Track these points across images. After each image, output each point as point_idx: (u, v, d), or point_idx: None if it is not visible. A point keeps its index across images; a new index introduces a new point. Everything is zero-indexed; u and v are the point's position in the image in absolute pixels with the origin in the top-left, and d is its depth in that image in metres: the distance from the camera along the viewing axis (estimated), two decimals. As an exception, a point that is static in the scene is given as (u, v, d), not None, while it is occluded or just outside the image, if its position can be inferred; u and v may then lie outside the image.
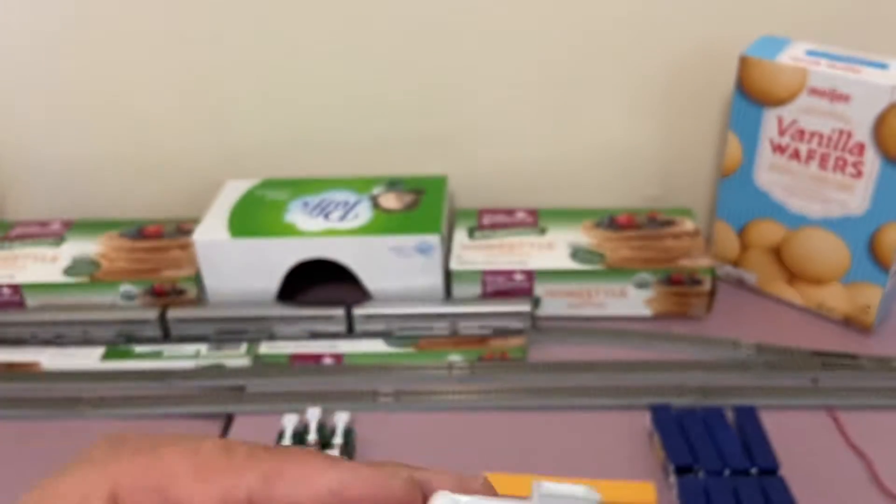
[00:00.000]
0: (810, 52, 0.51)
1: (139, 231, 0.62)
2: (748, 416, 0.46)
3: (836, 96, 0.49)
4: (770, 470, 0.43)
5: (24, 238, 0.62)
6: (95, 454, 0.16)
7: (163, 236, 0.61)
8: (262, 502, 0.15)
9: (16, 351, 0.55)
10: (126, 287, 0.56)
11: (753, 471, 0.43)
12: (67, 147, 0.67)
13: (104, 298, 0.57)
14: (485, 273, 0.57)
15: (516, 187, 0.68)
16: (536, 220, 0.63)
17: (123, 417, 0.50)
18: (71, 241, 0.61)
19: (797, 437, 0.47)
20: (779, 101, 0.52)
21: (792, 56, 0.51)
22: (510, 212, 0.64)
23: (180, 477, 0.15)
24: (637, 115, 0.64)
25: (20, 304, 0.57)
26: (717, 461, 0.44)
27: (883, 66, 0.49)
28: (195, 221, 0.61)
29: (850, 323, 0.55)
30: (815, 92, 0.50)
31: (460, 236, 0.61)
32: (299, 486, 0.15)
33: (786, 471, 0.44)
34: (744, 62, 0.53)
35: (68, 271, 0.57)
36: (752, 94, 0.53)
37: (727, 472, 0.43)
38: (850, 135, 0.50)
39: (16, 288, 0.56)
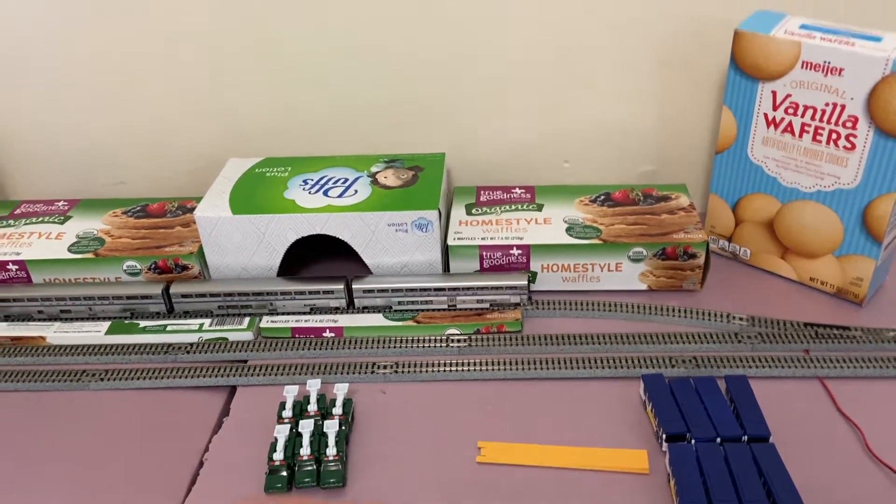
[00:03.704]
0: (804, 26, 0.52)
1: (143, 209, 0.63)
2: (740, 385, 0.47)
3: (829, 69, 0.50)
4: (761, 437, 0.44)
5: (29, 216, 0.63)
6: None
7: (166, 214, 0.62)
8: None
9: (22, 326, 0.56)
10: (130, 263, 0.57)
11: (744, 438, 0.44)
12: (72, 128, 0.67)
13: (108, 274, 0.58)
14: (482, 248, 0.58)
15: (513, 165, 0.69)
16: (533, 196, 0.63)
17: (128, 389, 0.51)
18: (76, 219, 0.62)
19: (789, 406, 0.48)
20: (773, 75, 0.52)
21: (786, 30, 0.52)
22: (507, 188, 0.65)
23: None
24: (632, 93, 0.64)
25: (27, 280, 0.58)
26: (709, 429, 0.45)
27: (876, 38, 0.49)
28: (198, 199, 0.62)
29: (842, 296, 0.56)
30: (808, 65, 0.51)
31: (458, 212, 0.62)
32: None
33: (777, 438, 0.45)
34: (738, 36, 0.53)
35: (73, 248, 0.58)
36: (746, 68, 0.54)
37: (719, 440, 0.44)
38: (843, 108, 0.50)
39: (22, 264, 0.57)
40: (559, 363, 0.51)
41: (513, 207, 0.62)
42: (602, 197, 0.62)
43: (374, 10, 0.62)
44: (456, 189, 0.66)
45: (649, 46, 0.62)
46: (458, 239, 0.58)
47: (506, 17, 0.62)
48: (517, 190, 0.65)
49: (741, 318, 0.54)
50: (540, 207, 0.62)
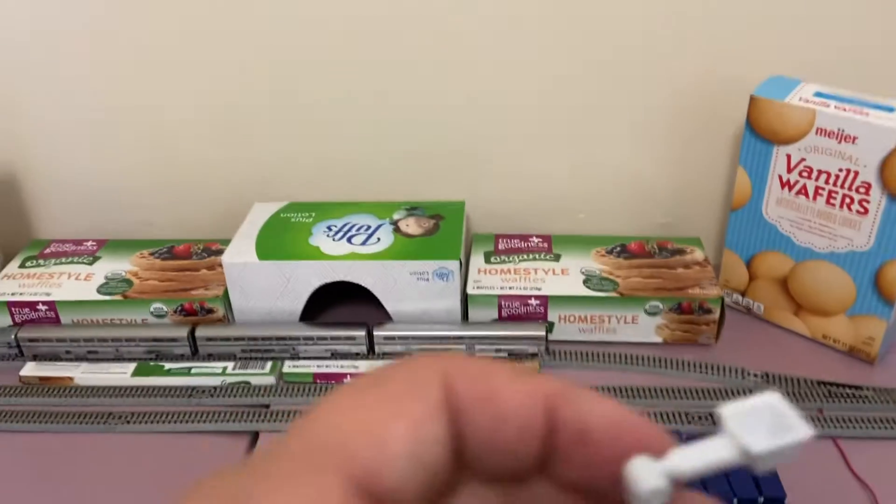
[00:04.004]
0: (818, 94, 0.53)
1: (169, 250, 0.65)
2: (755, 444, 0.48)
3: (843, 137, 0.51)
4: (777, 499, 0.45)
5: (58, 256, 0.64)
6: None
7: (192, 256, 0.64)
8: (560, 405, 0.16)
9: (50, 366, 0.57)
10: (157, 305, 0.59)
11: (760, 500, 0.45)
12: (101, 169, 0.69)
13: (136, 316, 0.59)
14: (501, 297, 0.59)
15: (531, 213, 0.70)
16: (550, 246, 0.65)
17: (152, 433, 0.52)
18: (104, 260, 0.63)
19: (803, 467, 0.48)
20: (787, 140, 0.54)
21: (801, 97, 0.53)
22: (525, 237, 0.66)
23: (496, 372, 0.17)
24: (649, 148, 0.66)
25: (55, 320, 0.59)
26: (726, 489, 0.45)
27: (889, 108, 0.51)
28: (223, 242, 0.63)
29: (854, 354, 0.57)
30: (823, 132, 0.52)
31: (477, 260, 0.63)
32: (589, 404, 0.16)
33: (792, 500, 0.46)
34: (753, 101, 0.55)
35: (102, 289, 0.60)
36: (761, 131, 0.55)
37: (735, 501, 0.45)
38: (856, 174, 0.52)
39: (51, 304, 0.59)
40: (576, 416, 0.52)
41: (531, 257, 0.63)
42: (618, 248, 0.64)
43: (397, 60, 0.64)
44: (475, 236, 0.67)
45: (666, 104, 0.64)
46: (478, 288, 0.59)
47: (524, 75, 0.64)
48: (534, 239, 0.66)
49: (756, 375, 0.55)
50: (557, 258, 0.63)
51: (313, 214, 0.64)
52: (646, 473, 0.16)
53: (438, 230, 0.61)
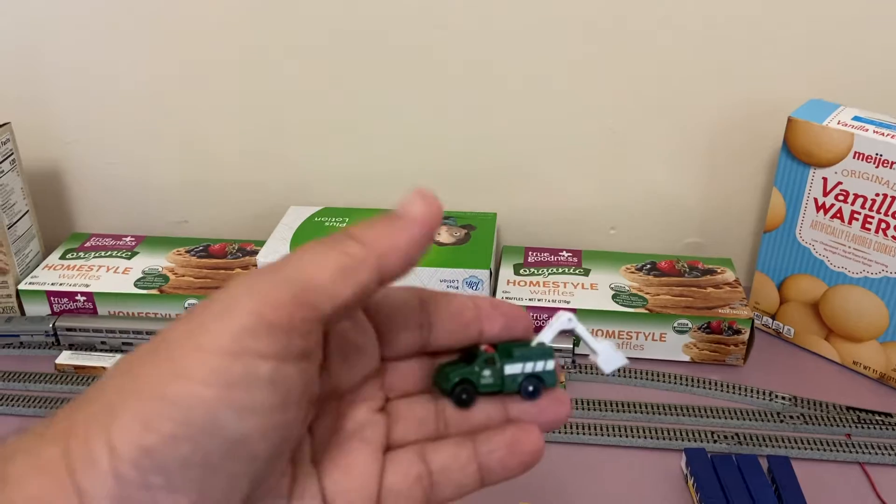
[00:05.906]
0: (857, 118, 0.53)
1: (205, 248, 0.66)
2: (782, 467, 0.48)
3: (881, 161, 0.51)
4: (801, 520, 0.45)
5: (98, 249, 0.66)
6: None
7: (227, 255, 0.65)
8: (479, 298, 0.28)
9: (85, 355, 0.58)
10: (191, 301, 0.60)
11: (785, 520, 0.45)
12: (140, 168, 0.71)
13: (170, 311, 0.60)
14: (529, 309, 0.59)
15: (561, 228, 0.70)
16: (580, 260, 0.65)
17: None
18: (142, 255, 0.65)
19: (829, 491, 0.48)
20: (824, 163, 0.54)
21: (839, 121, 0.53)
22: (555, 251, 0.67)
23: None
24: (682, 167, 0.66)
25: (93, 311, 0.61)
26: (750, 508, 0.45)
27: (928, 135, 0.51)
28: (257, 243, 0.64)
29: (885, 381, 0.57)
30: (860, 156, 0.52)
31: (507, 272, 0.64)
32: (491, 298, 0.28)
33: (817, 522, 0.46)
34: (791, 123, 0.55)
35: (139, 283, 0.61)
36: (798, 154, 0.55)
37: (759, 520, 0.45)
38: (893, 199, 0.52)
39: (90, 296, 0.60)
40: (601, 429, 0.52)
41: (560, 270, 0.64)
42: (648, 266, 0.64)
43: (437, 75, 0.65)
44: (504, 248, 0.67)
45: (701, 125, 0.64)
46: (507, 299, 0.60)
47: (564, 90, 0.64)
48: (564, 253, 0.66)
49: (784, 398, 0.55)
50: (587, 272, 0.63)
51: (347, 220, 0.65)
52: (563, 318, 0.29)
53: (470, 240, 0.62)
